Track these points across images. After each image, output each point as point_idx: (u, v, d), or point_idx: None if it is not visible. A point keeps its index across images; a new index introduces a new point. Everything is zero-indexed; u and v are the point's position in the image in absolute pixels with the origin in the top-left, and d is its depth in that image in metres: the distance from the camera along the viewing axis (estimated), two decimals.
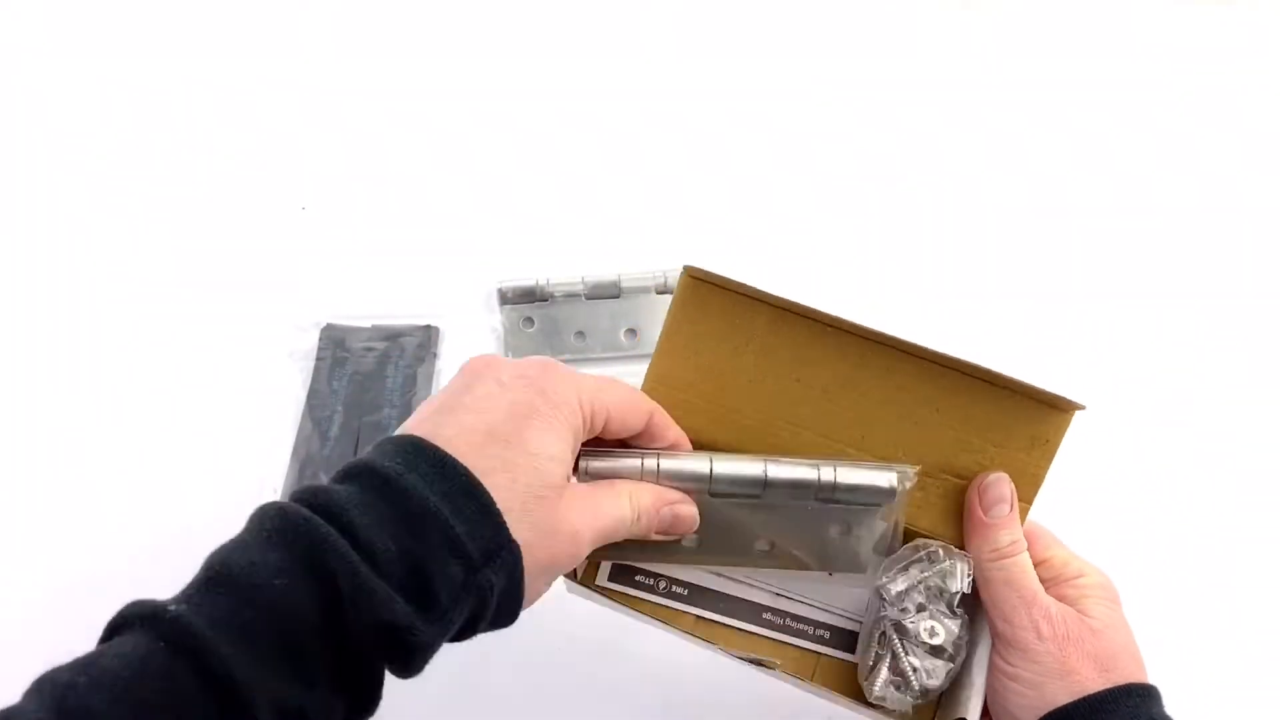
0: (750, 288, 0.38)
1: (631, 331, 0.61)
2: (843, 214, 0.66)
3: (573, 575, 0.39)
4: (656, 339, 0.58)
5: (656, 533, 0.36)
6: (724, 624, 0.40)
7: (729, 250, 0.63)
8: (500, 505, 0.30)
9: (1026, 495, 0.37)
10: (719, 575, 0.40)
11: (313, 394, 0.59)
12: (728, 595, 0.40)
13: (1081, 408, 0.35)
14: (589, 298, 0.61)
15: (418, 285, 0.63)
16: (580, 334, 0.61)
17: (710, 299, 0.39)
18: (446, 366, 0.60)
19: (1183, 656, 0.46)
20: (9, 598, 0.54)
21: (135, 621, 0.29)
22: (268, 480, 0.56)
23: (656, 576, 0.40)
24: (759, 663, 0.38)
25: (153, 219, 0.67)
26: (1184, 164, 0.68)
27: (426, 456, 0.31)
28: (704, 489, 0.36)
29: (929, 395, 0.37)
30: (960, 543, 0.38)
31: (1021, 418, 0.37)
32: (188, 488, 0.56)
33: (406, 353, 0.60)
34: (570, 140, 0.70)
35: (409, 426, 0.33)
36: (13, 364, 0.61)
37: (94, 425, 0.59)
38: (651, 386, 0.40)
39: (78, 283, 0.64)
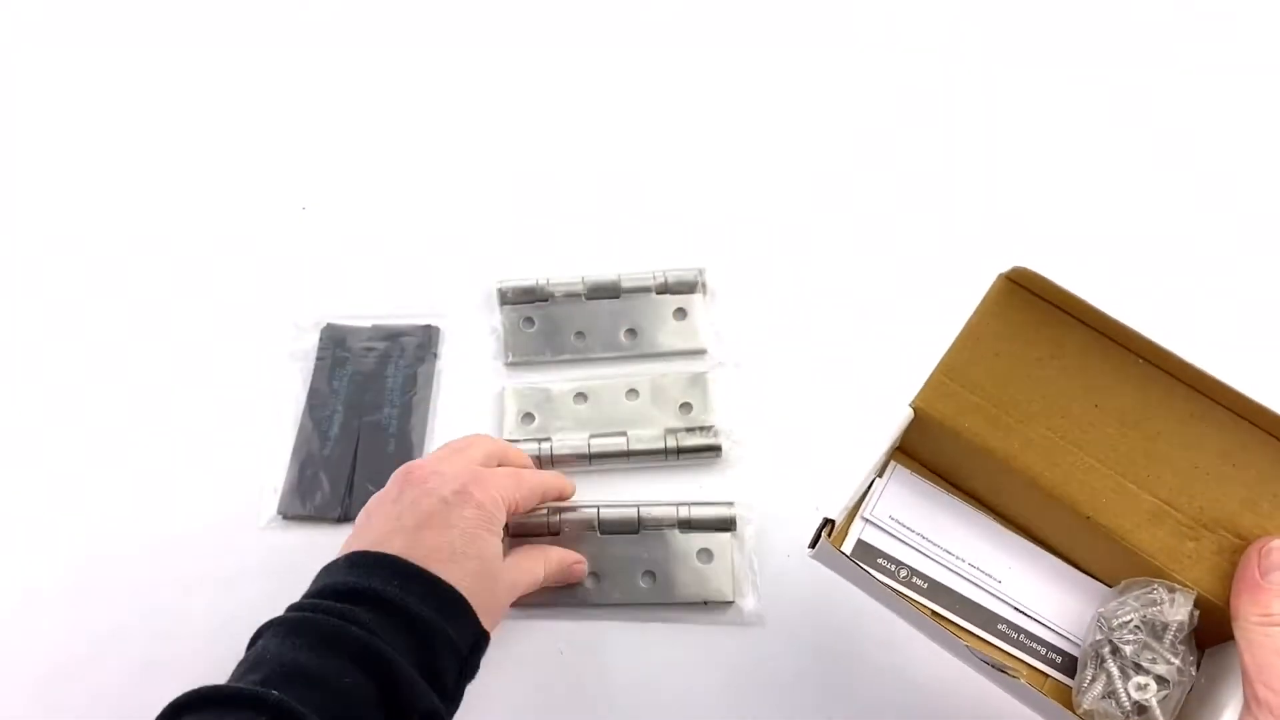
0: (1074, 299, 0.38)
1: (631, 331, 0.61)
2: (845, 213, 0.66)
3: (825, 537, 0.38)
4: (657, 339, 0.60)
5: (556, 582, 0.50)
6: (959, 625, 0.40)
7: (729, 250, 0.63)
8: (472, 604, 0.41)
9: None
10: (957, 575, 0.41)
11: (313, 394, 0.59)
12: (966, 598, 0.41)
13: None
14: (589, 298, 0.61)
15: (418, 285, 0.63)
16: (580, 334, 0.61)
17: (1025, 305, 0.39)
18: (446, 366, 0.60)
19: None
20: (8, 597, 0.54)
21: (242, 702, 0.35)
22: (267, 480, 0.56)
23: (898, 564, 0.41)
24: (1001, 669, 0.37)
25: (153, 219, 0.67)
26: None
27: (419, 580, 0.40)
28: (594, 528, 0.52)
29: (1227, 449, 0.37)
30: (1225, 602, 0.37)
31: None
32: (188, 488, 0.56)
33: (407, 353, 0.60)
34: (570, 140, 0.70)
35: (377, 542, 0.42)
36: (12, 364, 0.61)
37: (94, 425, 0.59)
38: (939, 378, 0.40)
39: (78, 283, 0.64)
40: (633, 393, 0.59)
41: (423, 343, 0.60)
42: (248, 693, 0.35)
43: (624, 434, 0.56)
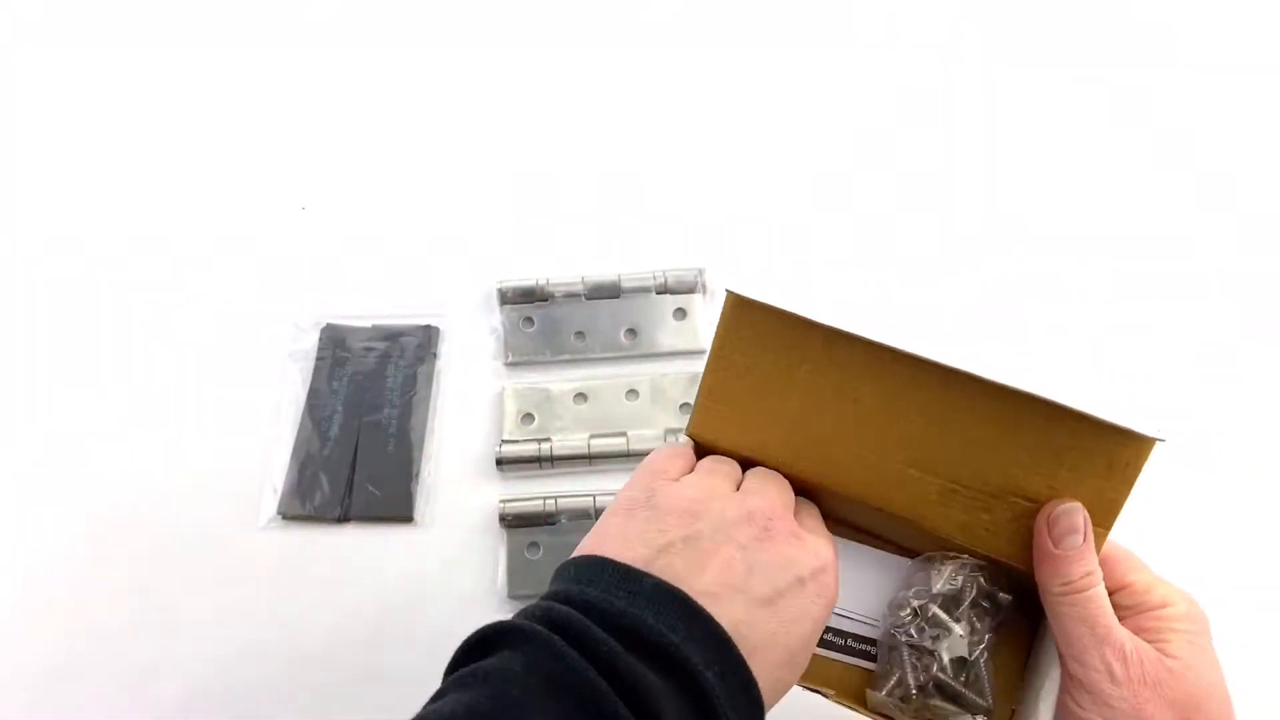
0: (797, 316, 0.37)
1: (631, 331, 0.61)
2: (845, 213, 0.66)
3: None
4: (656, 339, 0.60)
5: None
6: None
7: (729, 250, 0.63)
8: (762, 677, 0.30)
9: (1104, 522, 0.34)
10: None
11: (313, 394, 0.59)
12: None
13: (1161, 440, 0.32)
14: (589, 298, 0.61)
15: (417, 285, 0.63)
16: (580, 334, 0.61)
17: (759, 319, 0.38)
18: (446, 366, 0.60)
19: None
20: (8, 597, 0.54)
21: None
22: (267, 480, 0.56)
23: None
24: (813, 690, 0.37)
25: (153, 219, 0.67)
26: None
27: (738, 678, 0.29)
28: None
29: (993, 414, 0.35)
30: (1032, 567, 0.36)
31: (1098, 441, 0.34)
32: (187, 488, 0.56)
33: (407, 353, 0.60)
34: (570, 140, 0.70)
35: (718, 599, 0.31)
36: (12, 364, 0.61)
37: (94, 425, 0.59)
38: (704, 402, 0.39)
39: (77, 283, 0.64)
40: (633, 393, 0.59)
41: (423, 343, 0.60)
42: None
43: (624, 434, 0.56)
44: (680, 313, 0.61)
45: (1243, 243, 0.64)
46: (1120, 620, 0.34)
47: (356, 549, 0.55)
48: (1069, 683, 0.34)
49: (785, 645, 0.31)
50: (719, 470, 0.37)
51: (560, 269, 0.62)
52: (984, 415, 0.35)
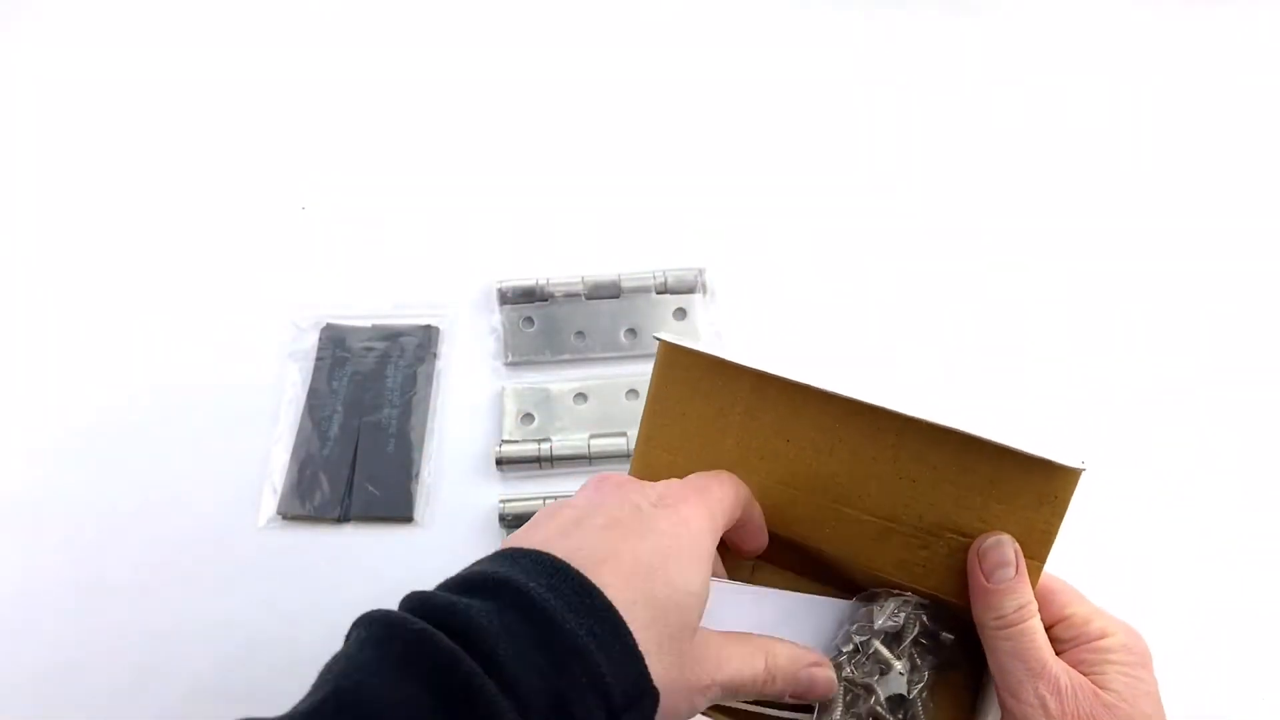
0: (726, 361, 0.37)
1: (631, 331, 0.61)
2: (845, 213, 0.66)
3: None
4: (655, 341, 0.59)
5: (791, 696, 0.34)
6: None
7: (729, 250, 0.63)
8: (640, 646, 0.28)
9: (1038, 554, 0.34)
10: None
11: (312, 394, 0.59)
12: None
13: (1082, 469, 0.32)
14: (589, 298, 0.61)
15: (417, 285, 0.63)
16: (580, 334, 0.61)
17: (690, 364, 0.38)
18: (446, 366, 0.60)
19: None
20: (8, 597, 0.54)
21: None
22: (267, 480, 0.56)
23: None
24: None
25: (153, 219, 0.67)
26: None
27: (572, 582, 0.28)
28: None
29: (920, 452, 0.35)
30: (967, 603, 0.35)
31: (1025, 474, 0.34)
32: (187, 487, 0.56)
33: (407, 353, 0.60)
34: (570, 140, 0.70)
35: (542, 541, 0.30)
36: (12, 364, 0.61)
37: (93, 424, 0.59)
38: (643, 448, 0.40)
39: (77, 282, 0.64)
40: (633, 393, 0.59)
41: (422, 343, 0.60)
42: None
43: (624, 434, 0.56)
44: (680, 313, 0.61)
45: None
46: (1059, 653, 0.34)
47: (356, 549, 0.55)
48: (1006, 717, 0.33)
49: (633, 555, 0.30)
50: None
51: (560, 269, 0.62)
52: (913, 453, 0.35)
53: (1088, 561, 0.39)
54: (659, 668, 0.29)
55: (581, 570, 0.29)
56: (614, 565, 0.30)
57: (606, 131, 0.70)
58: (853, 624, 0.37)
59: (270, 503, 0.55)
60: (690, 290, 0.61)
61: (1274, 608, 0.51)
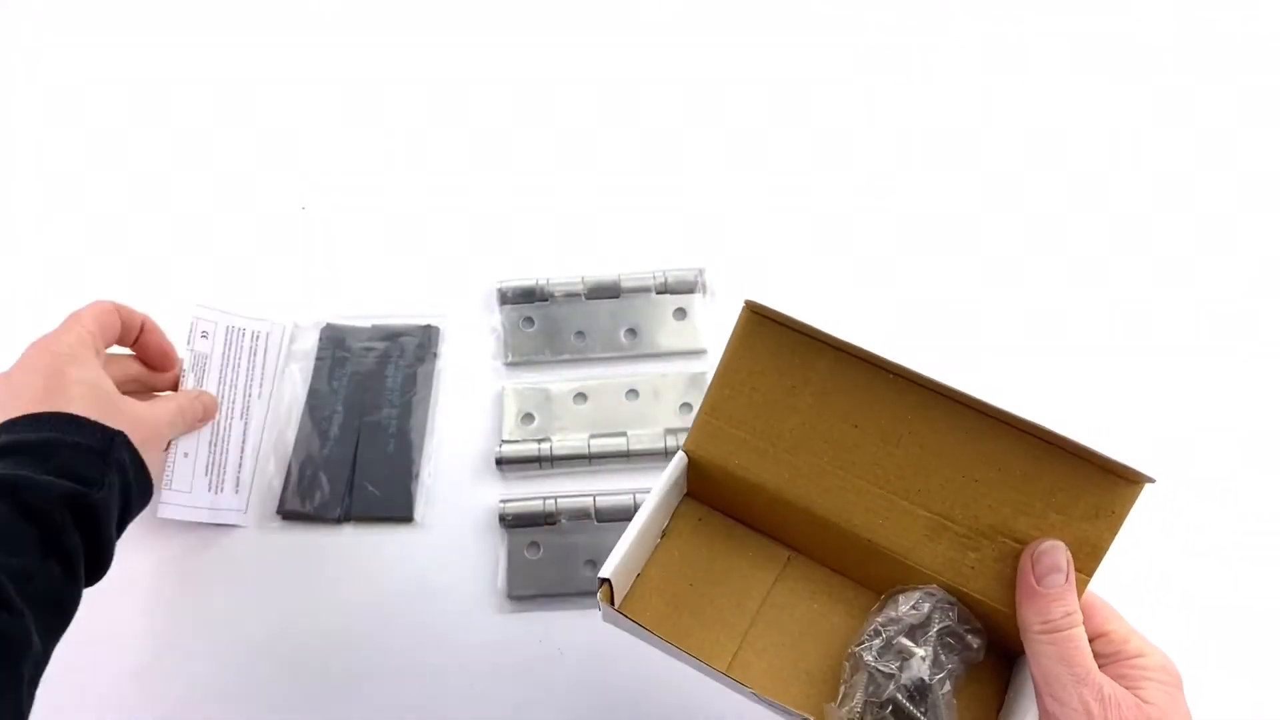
0: (812, 328, 0.37)
1: (631, 331, 0.61)
2: (845, 213, 0.66)
3: (609, 603, 0.38)
4: (656, 339, 0.60)
5: (199, 421, 0.54)
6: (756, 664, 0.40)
7: (729, 250, 0.63)
8: (87, 414, 0.44)
9: (1086, 567, 0.35)
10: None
11: (312, 394, 0.59)
12: None
13: (1151, 480, 0.33)
14: (589, 298, 0.61)
15: (417, 285, 0.63)
16: (580, 334, 0.61)
17: (770, 335, 0.38)
18: (446, 366, 0.60)
19: None
20: None
21: None
22: (267, 480, 0.56)
23: None
24: (800, 717, 0.37)
25: (153, 219, 0.67)
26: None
27: (33, 420, 0.43)
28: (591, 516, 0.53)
29: (991, 454, 0.35)
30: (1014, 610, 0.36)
31: (1086, 485, 0.34)
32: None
33: (407, 353, 0.60)
34: (570, 140, 0.70)
35: (14, 408, 0.44)
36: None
37: None
38: (705, 418, 0.39)
39: (76, 282, 0.64)
40: (632, 393, 0.59)
41: (423, 343, 0.60)
42: None
43: (624, 434, 0.56)
44: (680, 313, 0.61)
45: (1237, 271, 0.64)
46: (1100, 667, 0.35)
47: (356, 549, 0.55)
48: (1045, 719, 0.34)
49: (42, 384, 0.45)
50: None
51: (560, 269, 0.62)
52: (980, 451, 0.36)
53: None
54: (113, 419, 0.45)
55: (30, 411, 0.43)
56: (31, 397, 0.44)
57: (606, 132, 0.70)
58: (880, 615, 0.37)
59: (271, 502, 0.55)
60: (690, 290, 0.61)
61: None
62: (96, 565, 0.43)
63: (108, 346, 0.50)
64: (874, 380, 0.37)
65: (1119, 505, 0.34)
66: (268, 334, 0.60)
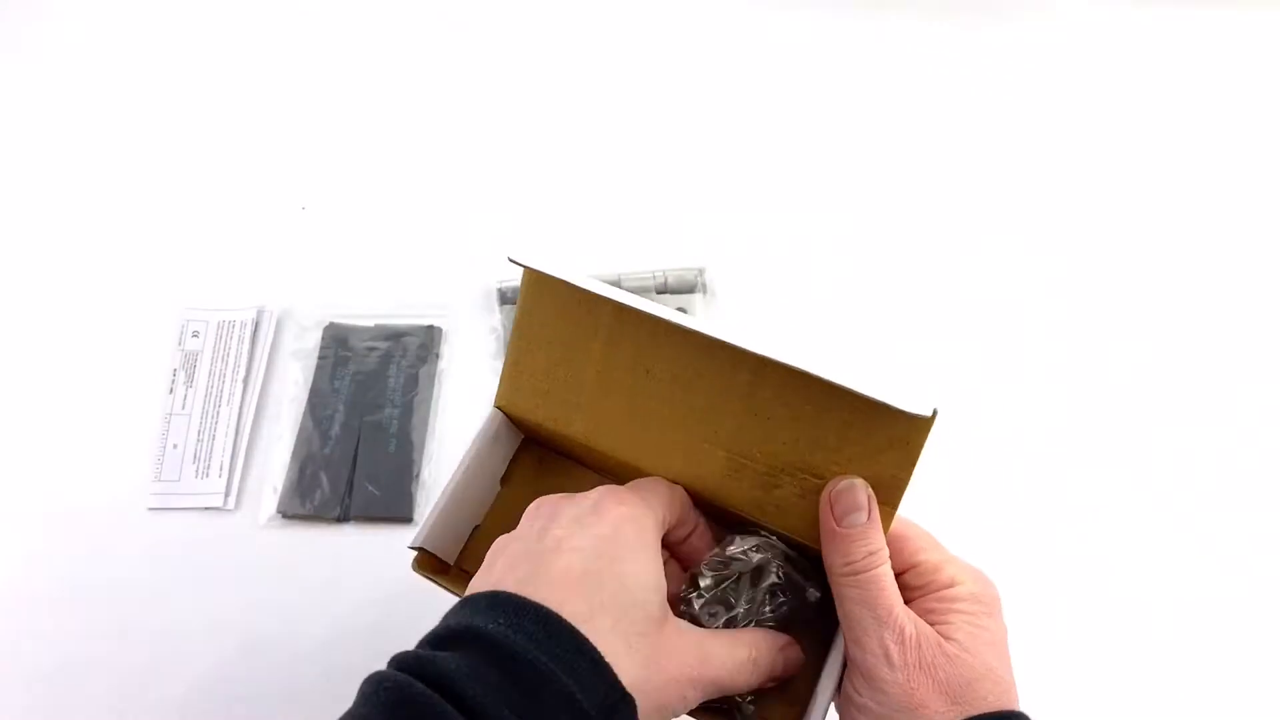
0: (587, 290, 0.37)
1: None
2: (844, 212, 0.66)
3: (428, 570, 0.39)
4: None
5: (769, 682, 0.35)
6: None
7: (729, 250, 0.63)
8: (605, 652, 0.29)
9: (890, 499, 0.33)
10: None
11: (314, 393, 0.59)
12: None
13: (931, 416, 0.31)
14: None
15: (418, 285, 0.63)
16: None
17: (555, 291, 0.39)
18: (447, 366, 0.60)
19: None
20: (7, 598, 0.54)
21: None
22: (268, 479, 0.56)
23: None
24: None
25: (153, 218, 0.67)
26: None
27: (529, 614, 0.29)
28: None
29: (777, 391, 0.34)
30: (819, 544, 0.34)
31: (877, 419, 0.33)
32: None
33: (409, 353, 0.60)
34: (570, 140, 0.70)
35: (496, 581, 0.31)
36: (12, 363, 0.61)
37: (93, 423, 0.59)
38: (509, 372, 0.40)
39: (75, 281, 0.64)
40: None
41: (425, 343, 0.60)
42: None
43: None
44: (680, 312, 0.61)
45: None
46: (908, 601, 0.33)
47: (356, 549, 0.55)
48: (850, 667, 0.33)
49: (581, 566, 0.31)
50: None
51: (560, 269, 0.62)
52: (770, 391, 0.35)
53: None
54: (632, 668, 0.29)
55: (536, 599, 0.29)
56: (565, 583, 0.30)
57: (607, 132, 0.70)
58: (709, 557, 0.36)
59: (270, 501, 0.56)
60: (690, 290, 0.61)
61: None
62: None
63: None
64: (660, 328, 0.36)
65: (913, 437, 0.33)
66: (255, 321, 0.61)
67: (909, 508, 0.34)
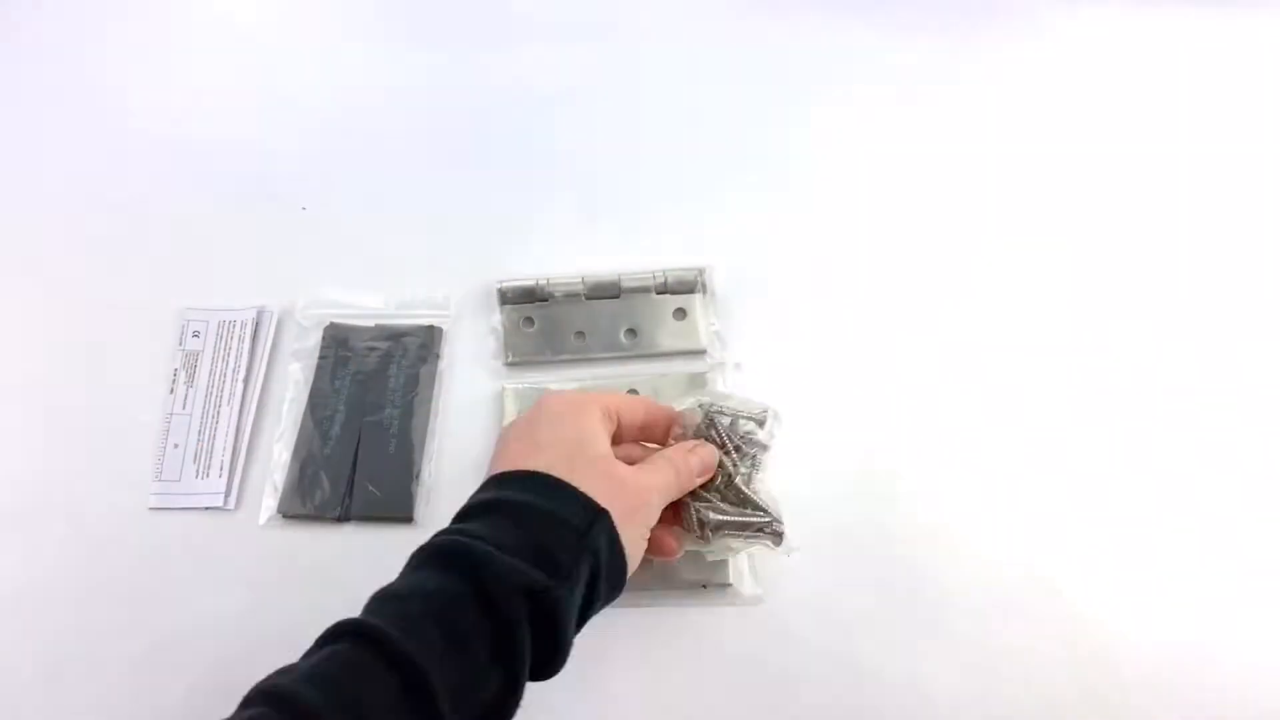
0: None
1: (631, 331, 0.61)
2: (844, 212, 0.66)
3: None
4: (656, 339, 0.60)
5: (697, 477, 0.46)
6: None
7: (729, 250, 0.63)
8: (580, 486, 0.40)
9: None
10: None
11: (315, 393, 0.59)
12: None
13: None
14: (589, 298, 0.61)
15: (418, 285, 0.63)
16: (580, 334, 0.61)
17: None
18: (448, 366, 0.61)
19: None
20: (6, 596, 0.54)
21: (343, 635, 0.36)
22: (268, 478, 0.56)
23: None
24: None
25: (154, 218, 0.67)
26: None
27: (519, 478, 0.41)
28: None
29: None
30: None
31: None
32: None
33: (409, 353, 0.60)
34: (571, 140, 0.70)
35: (504, 462, 0.42)
36: (14, 363, 0.61)
37: (93, 423, 0.59)
38: None
39: (77, 281, 0.64)
40: (633, 393, 0.59)
41: (425, 343, 0.60)
42: (349, 623, 0.36)
43: None
44: (680, 313, 0.61)
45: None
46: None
47: (356, 548, 0.55)
48: None
49: (531, 438, 0.43)
50: None
51: (560, 269, 0.62)
52: None
53: None
54: (601, 493, 0.40)
55: (527, 468, 0.41)
56: (529, 449, 0.42)
57: (607, 132, 0.70)
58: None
59: (271, 501, 0.56)
60: (690, 290, 0.61)
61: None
62: (543, 666, 0.38)
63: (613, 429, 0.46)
64: None
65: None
66: (256, 321, 0.61)
67: None
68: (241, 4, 0.78)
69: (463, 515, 0.41)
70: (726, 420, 0.48)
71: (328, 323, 0.61)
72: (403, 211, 0.67)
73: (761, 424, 0.49)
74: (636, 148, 0.69)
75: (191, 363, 0.60)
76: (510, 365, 0.60)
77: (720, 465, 0.47)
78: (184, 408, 0.59)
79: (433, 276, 0.63)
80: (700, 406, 0.48)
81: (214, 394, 0.59)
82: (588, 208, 0.66)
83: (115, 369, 0.61)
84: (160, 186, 0.68)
